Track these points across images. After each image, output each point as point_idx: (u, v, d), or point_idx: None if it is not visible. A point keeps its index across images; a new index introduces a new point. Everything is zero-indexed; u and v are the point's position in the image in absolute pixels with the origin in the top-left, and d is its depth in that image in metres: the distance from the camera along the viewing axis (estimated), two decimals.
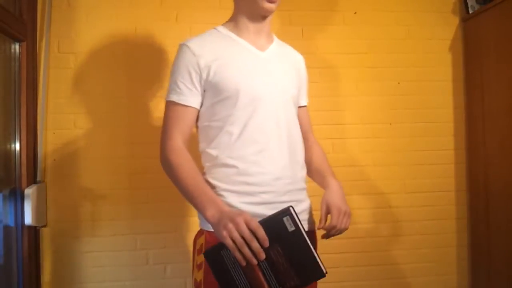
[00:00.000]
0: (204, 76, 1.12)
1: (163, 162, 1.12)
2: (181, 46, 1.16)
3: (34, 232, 1.78)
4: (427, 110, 2.07)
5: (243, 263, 0.90)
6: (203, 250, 1.06)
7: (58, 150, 1.86)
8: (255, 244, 0.90)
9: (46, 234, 1.84)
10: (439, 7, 2.10)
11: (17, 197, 1.71)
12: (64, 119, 1.87)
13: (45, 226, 1.83)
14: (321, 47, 2.01)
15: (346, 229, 1.17)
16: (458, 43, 2.10)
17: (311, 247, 0.95)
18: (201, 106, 1.15)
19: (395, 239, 2.03)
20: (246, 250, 0.89)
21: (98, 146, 1.88)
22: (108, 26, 1.90)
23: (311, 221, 1.22)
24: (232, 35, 1.19)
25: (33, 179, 1.78)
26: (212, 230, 1.00)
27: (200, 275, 1.08)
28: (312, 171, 1.30)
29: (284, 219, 0.93)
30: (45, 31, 1.84)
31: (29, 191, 1.69)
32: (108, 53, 1.90)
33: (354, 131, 2.01)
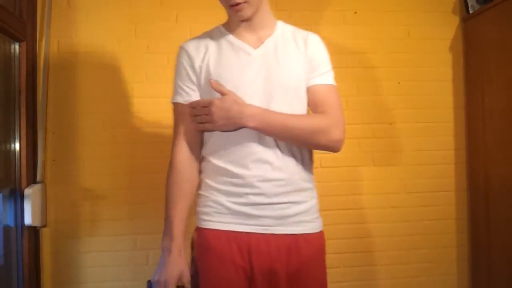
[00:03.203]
0: (198, 76, 1.15)
1: (168, 167, 1.18)
2: (179, 49, 1.20)
3: (34, 232, 1.78)
4: (427, 110, 2.07)
5: None
6: (193, 246, 1.16)
7: (58, 150, 1.86)
8: None
9: (46, 234, 1.84)
10: (439, 7, 2.10)
11: (17, 197, 1.71)
12: (64, 119, 1.87)
13: (45, 226, 1.83)
14: None
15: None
16: (458, 43, 2.10)
17: None
18: None
19: (395, 239, 2.03)
20: None
21: (98, 146, 1.88)
22: (108, 26, 1.90)
23: (315, 222, 1.17)
24: (227, 34, 1.19)
25: (33, 179, 1.78)
26: (202, 226, 1.14)
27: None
28: None
29: None
30: (45, 31, 1.84)
31: (29, 191, 1.69)
32: (108, 53, 1.90)
33: (354, 131, 2.01)
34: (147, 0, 1.93)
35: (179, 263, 1.07)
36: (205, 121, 1.09)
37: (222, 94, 1.08)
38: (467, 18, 2.06)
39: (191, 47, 1.18)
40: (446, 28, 2.10)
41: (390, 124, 2.05)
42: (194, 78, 1.15)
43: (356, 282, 1.99)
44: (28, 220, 1.69)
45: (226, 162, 1.11)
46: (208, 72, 1.14)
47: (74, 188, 1.86)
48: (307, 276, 1.12)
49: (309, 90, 1.17)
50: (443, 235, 2.05)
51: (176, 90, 1.18)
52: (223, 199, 1.11)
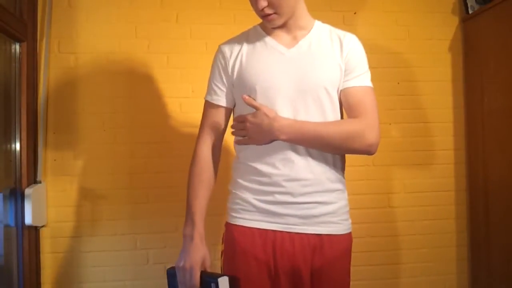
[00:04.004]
0: (230, 76, 1.18)
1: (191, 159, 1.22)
2: (218, 48, 1.24)
3: (34, 232, 1.78)
4: (427, 110, 2.07)
5: None
6: (223, 241, 1.20)
7: (58, 150, 1.86)
8: None
9: (46, 234, 1.84)
10: (439, 7, 2.10)
11: (17, 197, 1.71)
12: (64, 119, 1.87)
13: (45, 226, 1.83)
14: None
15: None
16: (458, 44, 2.10)
17: None
18: (235, 105, 1.22)
19: (395, 239, 2.03)
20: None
21: (98, 146, 1.88)
22: (108, 26, 1.90)
23: (342, 224, 1.16)
24: (263, 35, 1.20)
25: (33, 179, 1.78)
26: (230, 222, 1.18)
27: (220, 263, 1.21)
28: None
29: (212, 284, 1.03)
30: (45, 31, 1.84)
31: (29, 191, 1.69)
32: (108, 53, 1.90)
33: None
34: (147, 0, 1.93)
35: (201, 249, 1.09)
36: (243, 135, 1.16)
37: (255, 108, 1.12)
38: (466, 19, 2.06)
39: (227, 47, 1.21)
40: (445, 29, 2.10)
41: (390, 124, 2.05)
42: (225, 79, 1.19)
43: (356, 282, 1.98)
44: (28, 220, 1.69)
45: (255, 161, 1.15)
46: (240, 72, 1.16)
47: (74, 188, 1.86)
48: (330, 277, 1.12)
49: (345, 92, 1.16)
50: (443, 235, 2.06)
51: (208, 88, 1.23)
52: (250, 196, 1.14)
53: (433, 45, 2.09)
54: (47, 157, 1.85)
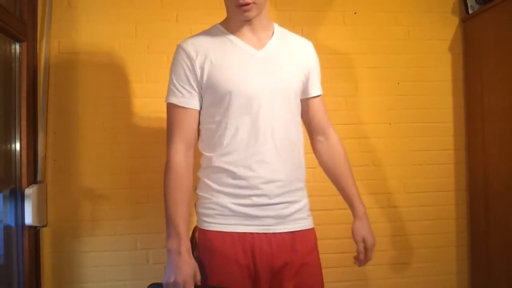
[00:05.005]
0: (199, 77, 1.13)
1: (165, 169, 1.15)
2: (177, 48, 1.18)
3: (34, 232, 1.78)
4: (427, 110, 2.07)
5: None
6: (197, 243, 1.16)
7: (58, 150, 1.86)
8: None
9: (46, 234, 1.84)
10: (439, 7, 2.10)
11: (17, 197, 1.71)
12: (64, 119, 1.87)
13: (45, 226, 1.83)
14: (321, 47, 2.01)
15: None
16: (458, 44, 2.10)
17: None
18: (201, 107, 1.17)
19: (395, 239, 2.03)
20: None
21: (98, 146, 1.88)
22: (108, 26, 1.90)
23: (308, 219, 1.23)
24: (228, 34, 1.18)
25: (33, 179, 1.78)
26: (205, 228, 1.14)
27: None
28: (336, 181, 1.33)
29: None
30: (45, 31, 1.84)
31: (29, 191, 1.69)
32: (108, 53, 1.90)
33: (354, 131, 2.01)
34: (147, 0, 1.93)
35: (191, 263, 1.08)
36: None
37: None
38: (466, 19, 2.06)
39: (191, 47, 1.15)
40: (445, 29, 2.10)
41: (390, 124, 2.05)
42: (193, 81, 1.14)
43: (356, 282, 1.99)
44: (28, 220, 1.69)
45: (229, 163, 1.12)
46: (210, 74, 1.12)
47: (75, 188, 1.86)
48: (307, 271, 1.16)
49: (311, 101, 1.28)
50: (443, 235, 2.06)
51: (171, 89, 1.16)
52: (227, 201, 1.12)
53: (433, 45, 2.09)
54: (47, 157, 1.85)
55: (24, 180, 1.72)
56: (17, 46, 1.73)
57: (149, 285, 1.08)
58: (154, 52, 1.92)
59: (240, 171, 1.11)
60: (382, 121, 2.05)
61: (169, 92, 1.16)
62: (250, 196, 1.11)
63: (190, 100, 1.14)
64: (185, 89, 1.14)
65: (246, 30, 1.17)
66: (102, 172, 1.88)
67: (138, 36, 1.92)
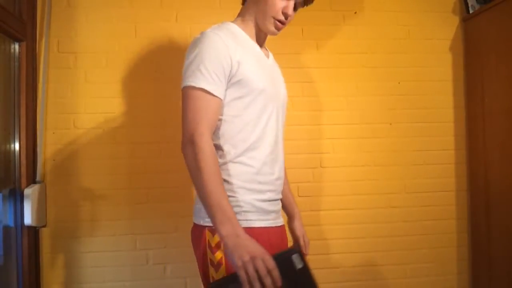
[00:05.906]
0: (233, 70, 1.09)
1: (188, 154, 1.04)
2: (210, 34, 1.09)
3: (34, 232, 1.78)
4: (427, 110, 2.07)
5: None
6: (222, 247, 1.04)
7: (58, 150, 1.86)
8: (268, 281, 0.90)
9: (46, 234, 1.83)
10: (439, 7, 2.09)
11: (17, 197, 1.71)
12: (64, 119, 1.87)
13: (45, 226, 1.83)
14: (321, 47, 2.01)
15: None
16: (458, 43, 2.10)
17: (317, 284, 0.99)
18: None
19: (395, 239, 2.02)
20: (257, 286, 0.89)
21: (98, 146, 1.88)
22: (108, 26, 1.90)
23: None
24: (247, 38, 1.21)
25: (32, 179, 1.78)
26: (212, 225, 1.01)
27: (220, 274, 1.05)
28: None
29: (294, 256, 0.98)
30: (44, 31, 1.84)
31: (29, 191, 1.68)
32: (107, 53, 1.90)
33: (354, 131, 2.01)
34: (147, 0, 1.92)
35: (253, 239, 0.99)
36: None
37: None
38: (467, 18, 2.06)
39: (226, 37, 1.10)
40: (446, 28, 2.10)
41: (390, 124, 2.05)
42: (227, 71, 1.08)
43: (356, 282, 1.99)
44: (28, 220, 1.69)
45: (254, 159, 1.14)
46: (245, 69, 1.10)
47: (74, 188, 1.86)
48: None
49: None
50: (443, 235, 2.05)
51: (203, 74, 1.05)
52: (249, 197, 1.14)
53: (434, 45, 2.08)
54: (46, 157, 1.84)
55: (24, 180, 1.72)
56: (16, 46, 1.73)
57: (209, 283, 1.01)
58: (154, 52, 1.92)
59: (263, 167, 1.15)
60: (383, 121, 2.04)
61: (198, 76, 1.05)
62: (266, 191, 1.16)
63: (220, 89, 1.07)
64: (217, 76, 1.06)
65: (258, 38, 1.24)
66: (102, 172, 1.88)
67: (137, 36, 1.92)
